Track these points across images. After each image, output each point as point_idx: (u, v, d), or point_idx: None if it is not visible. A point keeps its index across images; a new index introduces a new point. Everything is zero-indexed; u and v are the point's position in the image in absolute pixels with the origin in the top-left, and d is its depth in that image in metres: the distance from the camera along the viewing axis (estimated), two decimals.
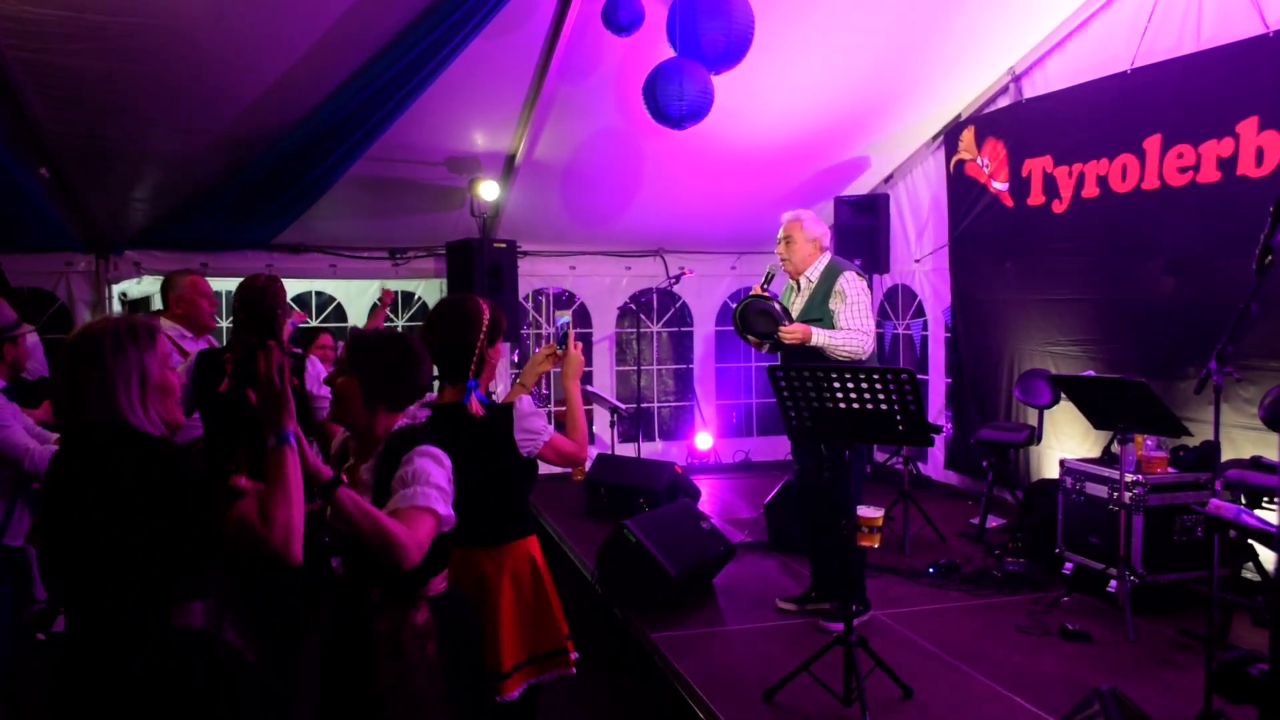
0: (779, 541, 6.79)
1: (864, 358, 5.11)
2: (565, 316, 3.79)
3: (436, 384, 3.38)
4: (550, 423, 3.35)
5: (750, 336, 5.34)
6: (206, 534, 2.22)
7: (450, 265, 8.79)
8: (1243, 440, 5.73)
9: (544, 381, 9.56)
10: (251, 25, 5.84)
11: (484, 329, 3.23)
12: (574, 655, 3.46)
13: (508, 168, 8.29)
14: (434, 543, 2.62)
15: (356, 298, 9.68)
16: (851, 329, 5.15)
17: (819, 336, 5.12)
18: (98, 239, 8.18)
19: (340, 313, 9.80)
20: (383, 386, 2.72)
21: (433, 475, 2.60)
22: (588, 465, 8.14)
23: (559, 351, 3.56)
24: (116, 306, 8.64)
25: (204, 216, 7.90)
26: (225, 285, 9.68)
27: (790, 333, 5.12)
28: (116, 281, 8.43)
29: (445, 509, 2.60)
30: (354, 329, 3.01)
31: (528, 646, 3.30)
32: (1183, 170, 6.26)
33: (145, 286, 9.25)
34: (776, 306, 5.24)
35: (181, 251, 8.46)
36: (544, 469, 3.45)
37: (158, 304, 9.74)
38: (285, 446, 2.30)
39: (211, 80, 6.31)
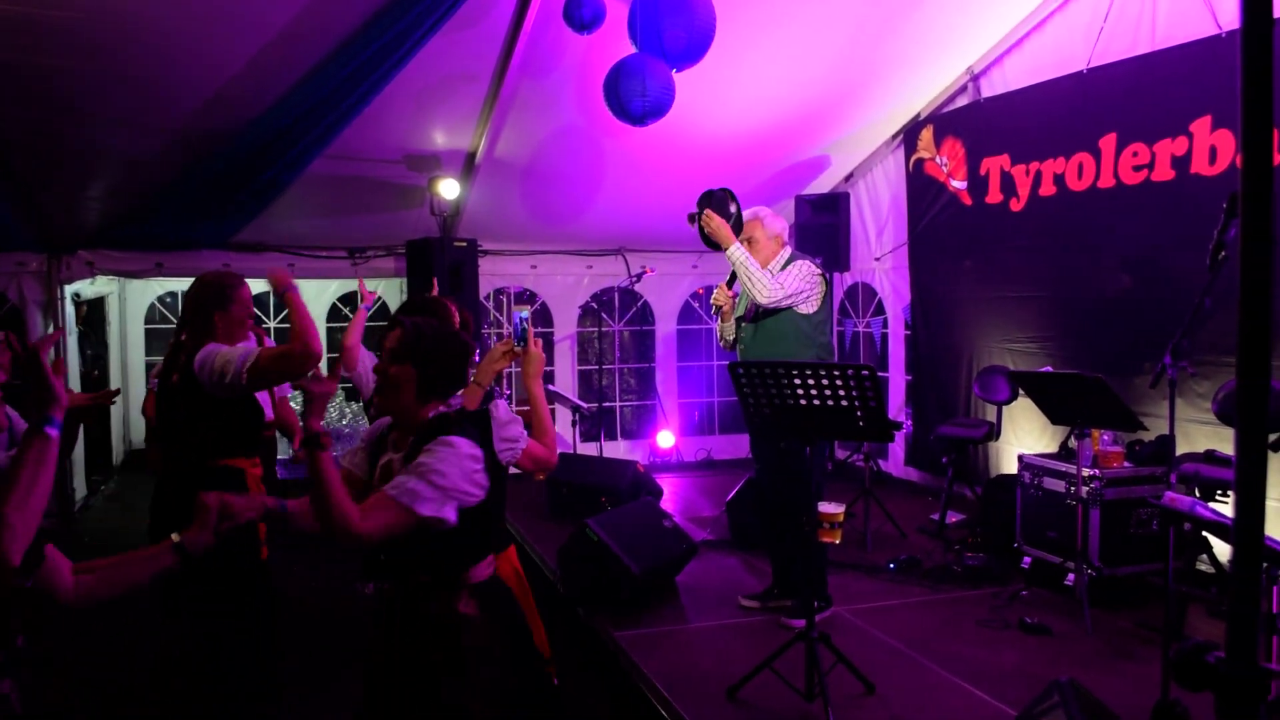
0: (741, 539, 6.80)
1: (763, 302, 5.13)
2: (524, 312, 3.62)
3: None
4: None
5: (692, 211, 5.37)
6: None
7: (410, 264, 8.72)
8: (1197, 434, 5.81)
9: (504, 380, 9.52)
10: (206, 21, 5.76)
11: None
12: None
13: (468, 166, 8.24)
14: (475, 531, 2.66)
15: (316, 297, 9.61)
16: (772, 278, 5.16)
17: (737, 251, 5.16)
18: (50, 238, 8.04)
19: None
20: (440, 379, 2.73)
21: (438, 470, 2.54)
22: None
23: (517, 349, 3.41)
24: (69, 307, 8.50)
25: (160, 215, 7.78)
26: (182, 285, 9.60)
27: (709, 218, 5.19)
28: (69, 282, 8.29)
29: (433, 510, 2.52)
30: (405, 319, 2.94)
31: None
32: (1137, 169, 6.34)
33: (99, 287, 9.11)
34: (732, 207, 5.27)
35: (137, 251, 8.36)
36: None
37: (113, 305, 9.64)
38: (39, 435, 2.10)
39: (166, 77, 6.22)
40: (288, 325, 3.73)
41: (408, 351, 2.70)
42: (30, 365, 2.12)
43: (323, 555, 6.60)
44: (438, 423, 2.70)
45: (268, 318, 9.60)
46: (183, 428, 3.83)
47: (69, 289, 8.37)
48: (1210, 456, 5.38)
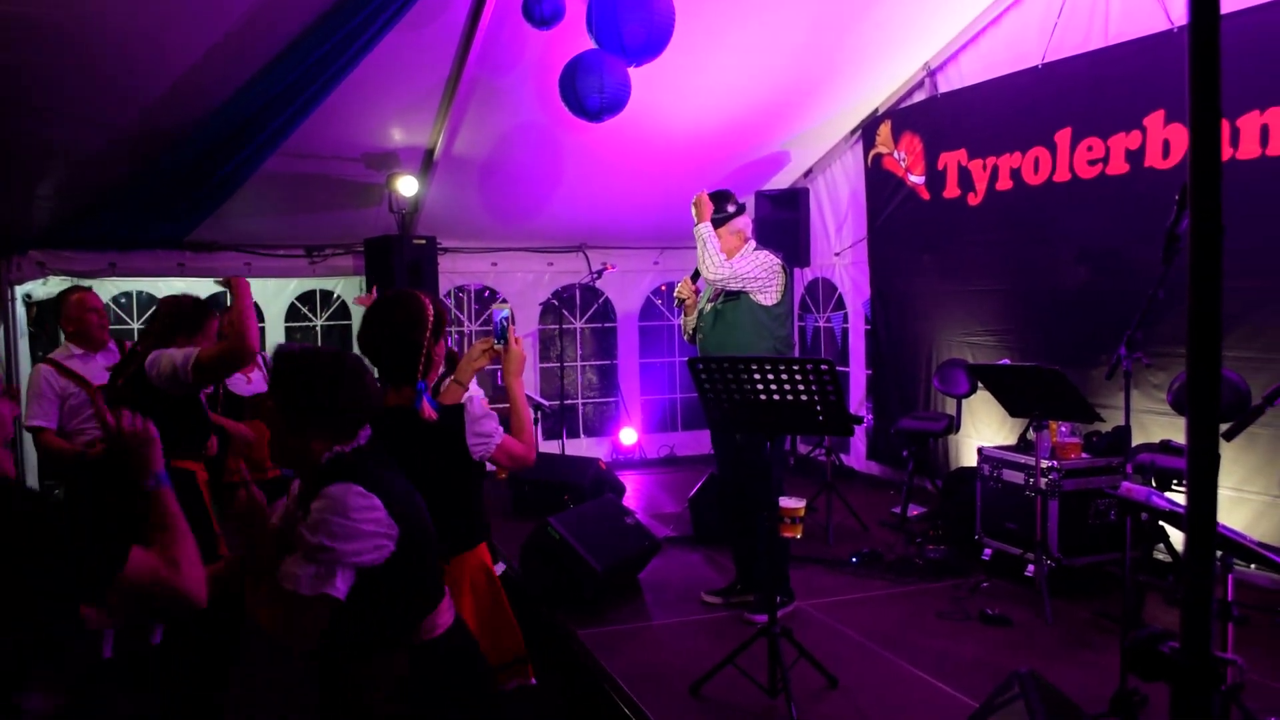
0: (704, 535, 6.80)
1: (709, 278, 5.33)
2: (504, 310, 3.53)
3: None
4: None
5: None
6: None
7: (369, 263, 8.65)
8: (1153, 424, 5.88)
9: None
10: (159, 15, 5.67)
11: (429, 326, 3.06)
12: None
13: (426, 163, 8.17)
14: (403, 586, 2.39)
15: (273, 297, 9.47)
16: (726, 260, 5.30)
17: (704, 227, 5.38)
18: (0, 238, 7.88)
19: (256, 313, 9.57)
20: (309, 411, 2.36)
21: (313, 543, 2.23)
22: None
23: (497, 347, 3.38)
24: (20, 309, 8.34)
25: (113, 214, 7.65)
26: (136, 285, 9.45)
27: (699, 195, 5.47)
28: (20, 283, 8.13)
29: (312, 587, 2.20)
30: (278, 344, 2.97)
31: (491, 659, 3.13)
32: (1092, 163, 6.40)
33: (51, 288, 8.94)
34: (730, 207, 5.47)
35: (89, 251, 8.20)
36: None
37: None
38: (162, 487, 2.15)
39: (118, 71, 6.11)
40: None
41: (273, 381, 2.44)
42: (132, 437, 2.22)
43: None
44: (327, 469, 2.37)
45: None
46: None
47: (20, 290, 8.21)
48: (1165, 446, 5.44)
